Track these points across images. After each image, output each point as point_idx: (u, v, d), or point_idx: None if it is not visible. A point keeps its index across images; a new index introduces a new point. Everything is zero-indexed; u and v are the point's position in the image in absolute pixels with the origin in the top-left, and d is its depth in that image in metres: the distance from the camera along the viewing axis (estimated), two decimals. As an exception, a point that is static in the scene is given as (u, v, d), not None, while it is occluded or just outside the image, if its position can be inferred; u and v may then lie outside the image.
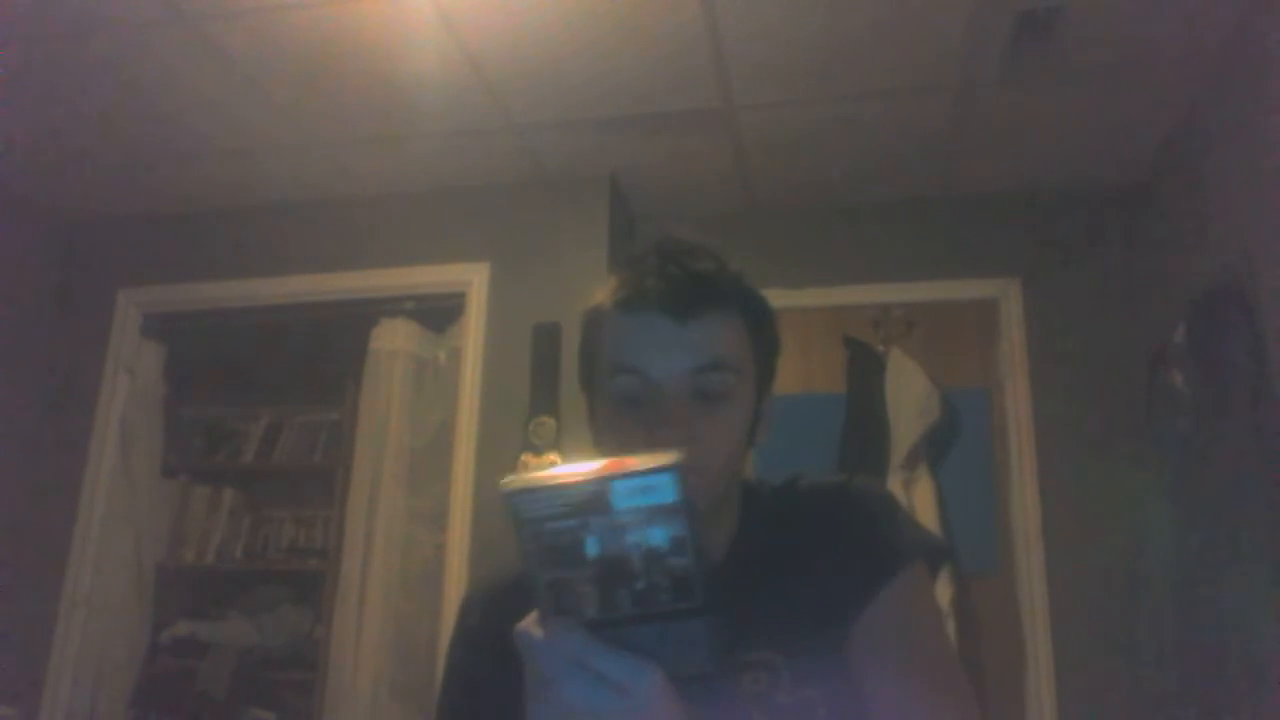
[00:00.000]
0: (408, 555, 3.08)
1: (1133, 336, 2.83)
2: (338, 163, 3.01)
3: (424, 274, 3.10)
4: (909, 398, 3.32)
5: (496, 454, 2.85)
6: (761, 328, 0.87)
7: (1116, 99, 2.54)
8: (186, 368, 3.67)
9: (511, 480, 0.55)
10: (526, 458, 2.82)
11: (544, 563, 0.55)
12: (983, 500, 3.18)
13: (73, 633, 3.01)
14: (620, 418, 0.82)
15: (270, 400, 4.12)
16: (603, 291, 0.87)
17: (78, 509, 3.10)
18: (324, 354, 3.84)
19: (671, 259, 0.83)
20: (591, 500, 0.53)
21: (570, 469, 0.54)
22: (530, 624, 0.59)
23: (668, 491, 0.52)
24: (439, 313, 3.17)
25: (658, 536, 0.53)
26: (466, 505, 2.83)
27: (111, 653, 3.14)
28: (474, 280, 3.03)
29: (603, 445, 0.85)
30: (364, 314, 3.24)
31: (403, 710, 2.95)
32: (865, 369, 3.47)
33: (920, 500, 3.22)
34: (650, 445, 0.76)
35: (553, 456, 2.80)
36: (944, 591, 2.99)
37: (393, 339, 3.21)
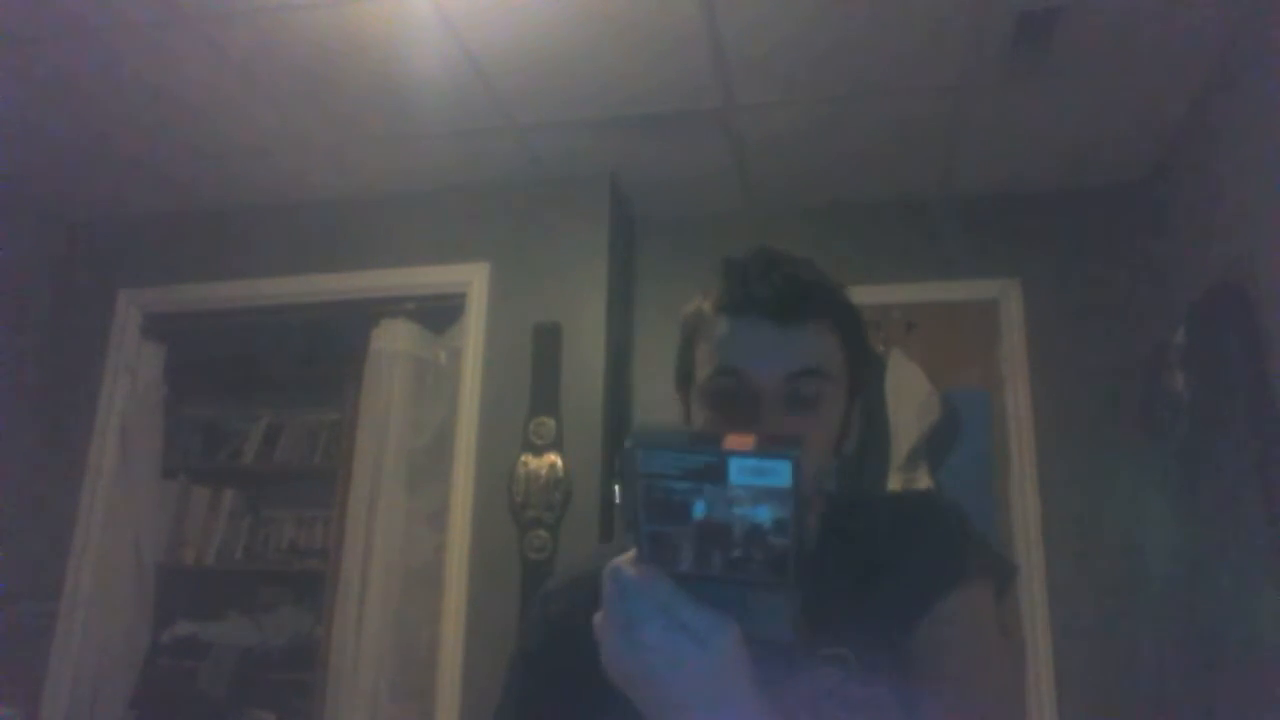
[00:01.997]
0: (408, 555, 3.08)
1: (1133, 336, 2.83)
2: (338, 163, 3.01)
3: (424, 274, 3.10)
4: (909, 398, 3.32)
5: (496, 454, 2.85)
6: (856, 339, 0.90)
7: (1116, 99, 2.54)
8: (186, 368, 3.67)
9: (639, 432, 0.58)
10: (526, 458, 2.82)
11: (650, 515, 0.59)
12: (983, 500, 3.17)
13: (73, 633, 3.01)
14: (716, 417, 0.84)
15: (270, 400, 4.12)
16: (704, 297, 0.90)
17: (78, 509, 3.11)
18: (324, 354, 3.84)
19: (775, 266, 0.87)
20: (709, 470, 0.56)
21: (695, 435, 0.59)
22: (624, 562, 0.62)
23: (782, 476, 0.55)
24: (439, 313, 3.17)
25: (763, 514, 0.56)
26: (466, 505, 2.83)
27: (111, 653, 3.14)
28: (474, 280, 3.03)
29: None
30: (364, 314, 3.24)
31: (403, 711, 2.95)
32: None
33: (920, 500, 3.21)
34: None
35: (553, 457, 2.80)
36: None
37: (393, 339, 3.21)
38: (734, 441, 0.56)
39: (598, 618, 0.65)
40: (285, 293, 3.20)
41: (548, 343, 2.90)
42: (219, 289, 3.26)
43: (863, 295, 3.26)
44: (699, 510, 0.57)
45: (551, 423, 2.84)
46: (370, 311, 3.23)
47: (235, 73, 2.50)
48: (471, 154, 2.93)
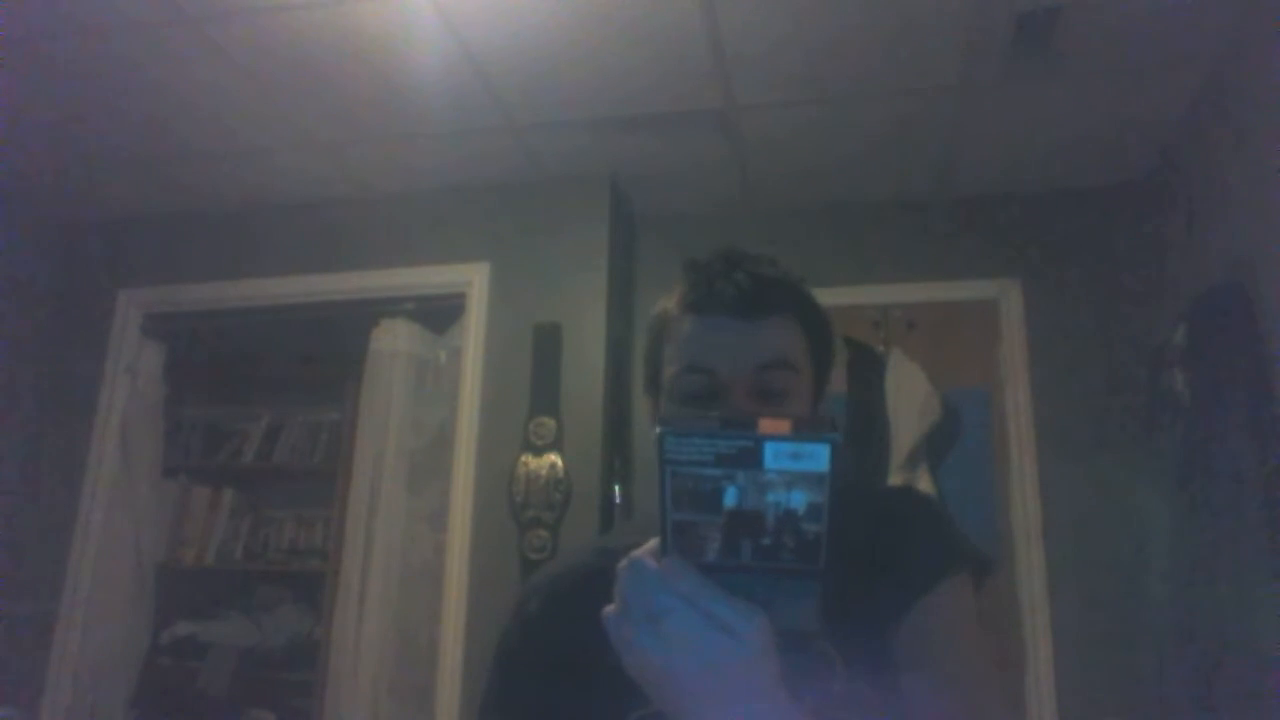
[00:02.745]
0: (408, 555, 3.08)
1: (1133, 336, 2.83)
2: (338, 163, 3.01)
3: (424, 274, 3.10)
4: (909, 398, 3.32)
5: (496, 454, 2.85)
6: (818, 333, 0.91)
7: (1116, 99, 2.54)
8: (186, 368, 3.68)
9: (668, 420, 0.55)
10: (526, 458, 2.82)
11: (677, 504, 0.57)
12: (983, 500, 3.18)
13: (73, 633, 3.01)
14: (685, 413, 0.85)
15: (270, 400, 4.12)
16: (669, 298, 0.93)
17: (78, 509, 3.11)
18: (324, 354, 3.84)
19: (738, 265, 0.89)
20: (742, 455, 0.54)
21: (727, 419, 0.55)
22: (646, 554, 0.61)
23: (819, 461, 0.54)
24: (439, 313, 3.17)
25: (797, 500, 0.55)
26: (466, 505, 2.83)
27: (111, 653, 3.14)
28: (474, 280, 3.03)
29: None
30: (364, 314, 3.24)
31: (403, 710, 2.95)
32: (866, 370, 3.47)
33: (920, 500, 3.21)
34: None
35: (553, 457, 2.80)
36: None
37: (393, 339, 3.21)
38: (769, 425, 0.54)
39: (609, 611, 0.63)
40: (285, 293, 3.20)
41: (548, 343, 2.90)
42: (219, 289, 3.26)
43: (863, 295, 3.25)
44: (730, 497, 0.55)
45: (551, 423, 2.84)
46: (370, 311, 3.23)
47: (235, 72, 2.50)
48: (471, 154, 2.93)
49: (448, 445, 2.97)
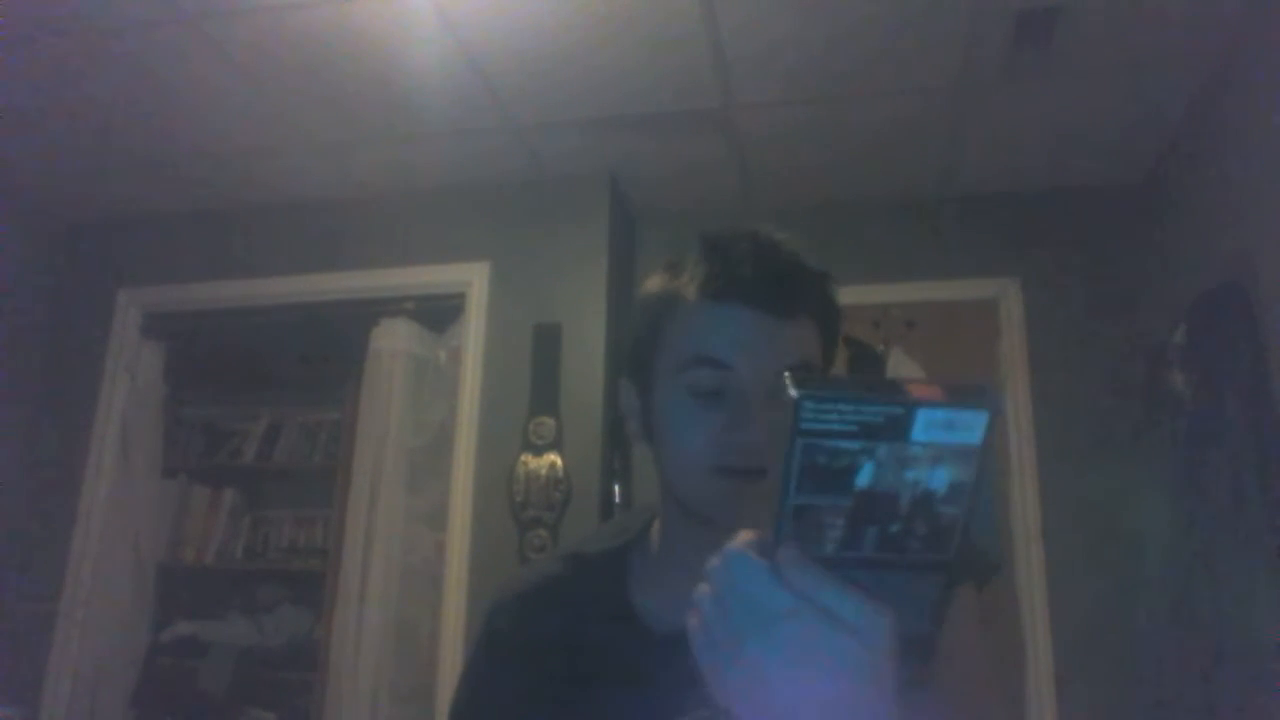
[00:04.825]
0: (408, 555, 3.08)
1: (1133, 336, 2.83)
2: (338, 163, 3.01)
3: (424, 274, 3.10)
4: (909, 398, 3.32)
5: (496, 454, 2.85)
6: (832, 333, 0.86)
7: (1116, 99, 2.54)
8: (186, 368, 3.68)
9: (804, 382, 0.46)
10: (526, 458, 2.82)
11: (801, 485, 0.48)
12: (983, 500, 3.17)
13: (73, 633, 3.01)
14: (694, 410, 0.79)
15: (270, 400, 4.12)
16: (678, 277, 0.83)
17: (78, 509, 3.11)
18: (324, 354, 3.84)
19: (768, 253, 0.81)
20: (888, 424, 0.46)
21: (870, 382, 0.48)
22: (747, 547, 0.51)
23: (974, 433, 0.47)
24: (439, 313, 3.17)
25: (939, 479, 0.48)
26: (466, 505, 2.83)
27: (111, 652, 3.14)
28: (474, 280, 3.03)
29: (661, 438, 0.83)
30: (364, 314, 3.24)
31: (403, 711, 2.95)
32: (865, 369, 3.46)
33: (920, 500, 3.21)
34: (726, 443, 0.75)
35: (553, 457, 2.80)
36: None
37: (393, 339, 3.21)
38: (920, 390, 0.46)
39: (692, 620, 0.53)
40: (285, 292, 3.20)
41: (548, 343, 2.90)
42: (219, 288, 3.26)
43: (863, 295, 3.24)
44: (864, 477, 0.47)
45: (551, 423, 2.84)
46: (370, 311, 3.23)
47: (236, 72, 2.50)
48: (471, 154, 2.93)
49: (448, 445, 2.97)
